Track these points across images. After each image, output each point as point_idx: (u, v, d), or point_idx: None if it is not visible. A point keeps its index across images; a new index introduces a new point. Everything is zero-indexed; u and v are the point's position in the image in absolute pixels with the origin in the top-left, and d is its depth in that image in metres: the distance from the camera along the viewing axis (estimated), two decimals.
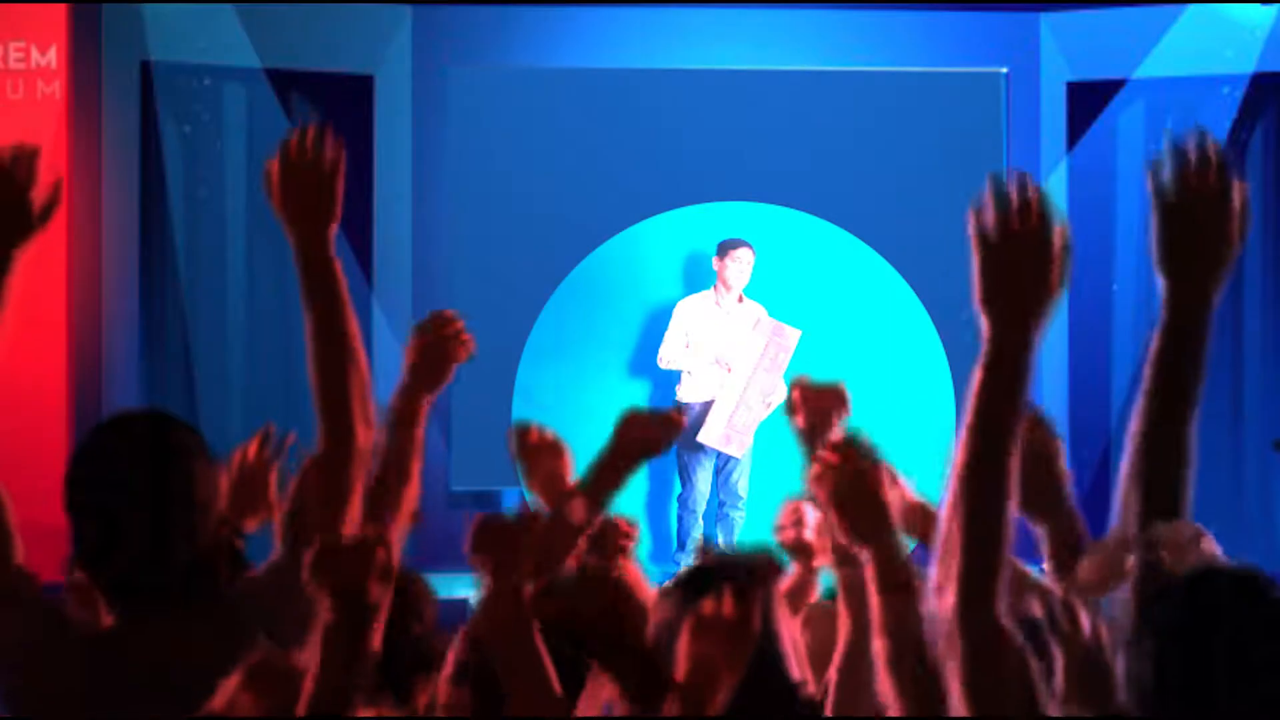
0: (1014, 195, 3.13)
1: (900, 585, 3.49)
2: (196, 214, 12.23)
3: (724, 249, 11.87)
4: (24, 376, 10.61)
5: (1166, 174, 3.32)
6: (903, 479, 3.96)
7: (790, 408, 4.16)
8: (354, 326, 3.97)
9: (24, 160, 3.81)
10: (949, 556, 3.11)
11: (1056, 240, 3.15)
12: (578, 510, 4.37)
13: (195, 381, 12.15)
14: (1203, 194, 3.33)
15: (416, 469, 4.15)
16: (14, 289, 3.82)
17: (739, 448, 11.55)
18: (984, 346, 3.17)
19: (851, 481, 3.60)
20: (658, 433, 4.44)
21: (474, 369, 12.84)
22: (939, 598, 3.14)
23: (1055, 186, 12.65)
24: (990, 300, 3.15)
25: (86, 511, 3.83)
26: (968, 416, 3.14)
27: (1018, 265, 3.16)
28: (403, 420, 4.16)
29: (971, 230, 3.17)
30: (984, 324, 3.18)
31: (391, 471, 4.06)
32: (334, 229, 3.88)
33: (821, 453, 3.62)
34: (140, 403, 11.77)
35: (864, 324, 12.45)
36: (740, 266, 11.82)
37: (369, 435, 3.98)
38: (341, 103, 12.45)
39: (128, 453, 3.91)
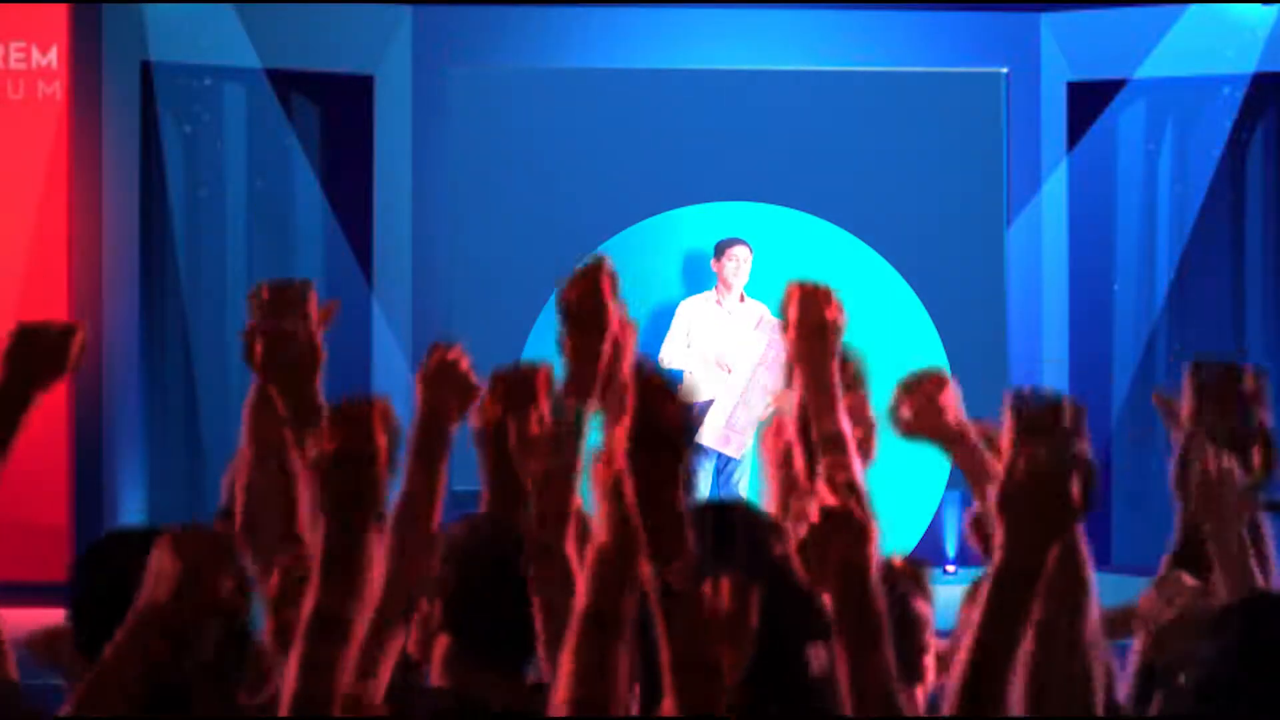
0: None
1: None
2: (197, 213, 12.27)
3: (720, 249, 11.94)
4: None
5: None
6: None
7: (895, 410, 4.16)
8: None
9: (67, 329, 3.90)
10: None
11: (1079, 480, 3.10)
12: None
13: (195, 380, 12.16)
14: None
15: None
16: (29, 421, 3.83)
17: (738, 448, 11.53)
18: (1000, 558, 3.14)
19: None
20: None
21: (479, 355, 12.97)
22: None
23: (1055, 186, 12.77)
24: (1013, 512, 3.10)
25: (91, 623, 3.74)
26: (975, 630, 3.10)
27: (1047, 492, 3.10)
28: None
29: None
30: (1000, 533, 3.14)
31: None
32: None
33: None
34: (140, 401, 11.90)
35: (864, 322, 12.22)
36: (738, 265, 11.87)
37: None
38: (341, 103, 12.63)
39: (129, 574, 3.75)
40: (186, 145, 12.20)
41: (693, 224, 12.55)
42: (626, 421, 3.06)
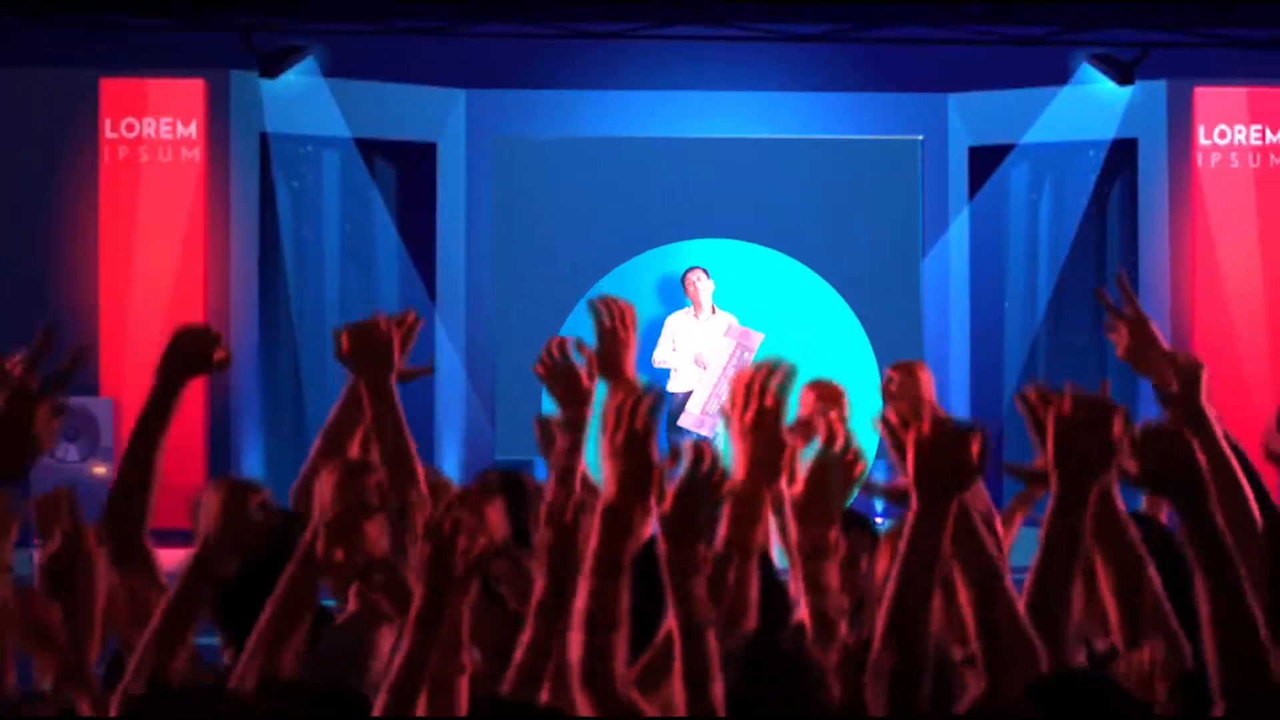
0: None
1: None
2: (301, 249, 12.23)
3: (683, 278, 12.08)
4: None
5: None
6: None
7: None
8: (408, 440, 3.85)
9: (213, 332, 3.88)
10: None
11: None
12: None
13: (300, 376, 12.09)
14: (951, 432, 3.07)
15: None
16: (181, 403, 3.80)
17: (710, 429, 11.30)
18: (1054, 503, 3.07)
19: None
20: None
21: (513, 364, 12.59)
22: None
23: (960, 227, 12.72)
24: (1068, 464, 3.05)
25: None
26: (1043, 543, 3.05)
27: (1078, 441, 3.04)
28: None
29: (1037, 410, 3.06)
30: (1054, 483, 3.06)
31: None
32: (394, 377, 3.86)
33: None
34: (258, 392, 11.89)
35: (809, 329, 12.36)
36: (697, 286, 11.94)
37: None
38: (411, 163, 12.57)
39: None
40: (294, 197, 12.18)
41: (679, 255, 12.51)
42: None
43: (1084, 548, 3.14)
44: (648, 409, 3.07)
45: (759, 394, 3.34)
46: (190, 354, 3.85)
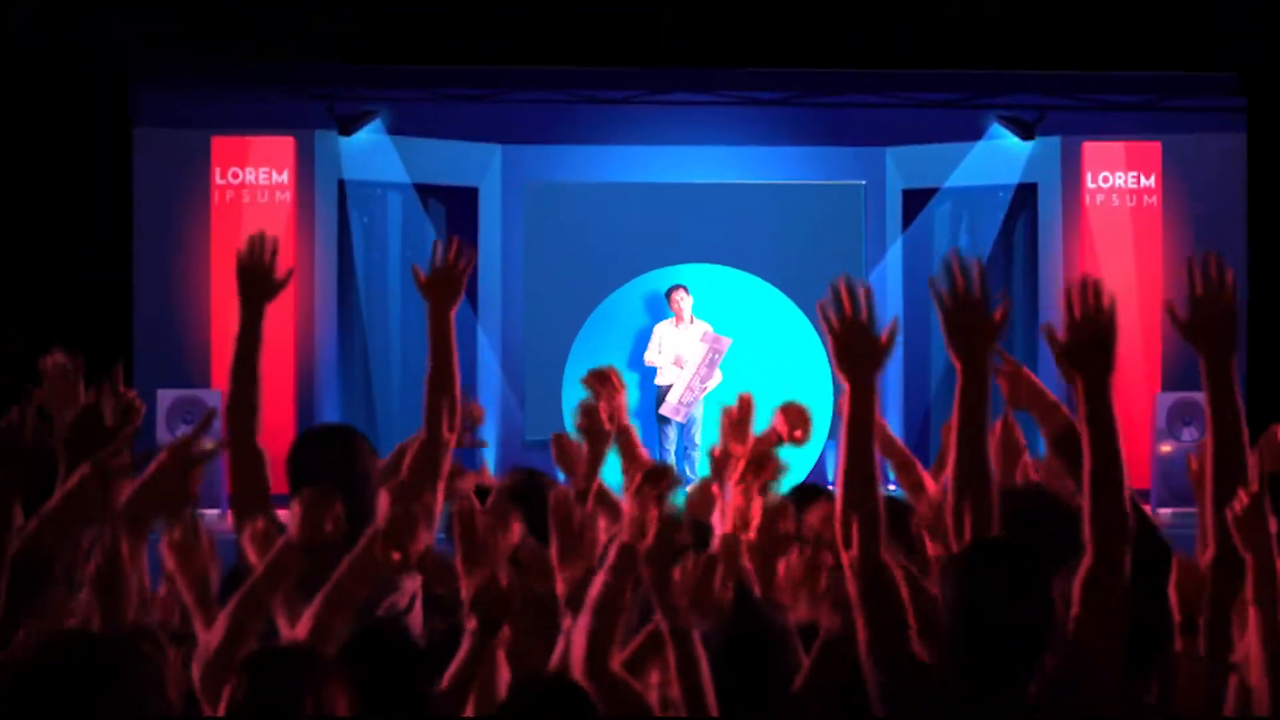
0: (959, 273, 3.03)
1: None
2: (370, 271, 12.29)
3: (667, 293, 12.13)
4: (269, 353, 10.17)
5: (942, 284, 3.09)
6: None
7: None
8: (456, 365, 3.89)
9: (269, 244, 3.80)
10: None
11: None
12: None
13: (370, 377, 12.18)
14: (966, 299, 3.07)
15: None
16: (266, 329, 3.79)
17: (684, 416, 11.74)
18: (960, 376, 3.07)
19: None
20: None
21: (539, 363, 12.48)
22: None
23: (895, 253, 12.81)
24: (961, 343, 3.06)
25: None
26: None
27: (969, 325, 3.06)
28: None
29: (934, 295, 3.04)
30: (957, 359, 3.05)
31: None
32: (454, 306, 3.91)
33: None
34: (338, 397, 11.94)
35: (771, 333, 12.46)
36: (679, 302, 12.00)
37: (454, 436, 3.87)
38: (458, 203, 12.63)
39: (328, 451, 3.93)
40: (365, 231, 12.25)
41: (672, 276, 12.51)
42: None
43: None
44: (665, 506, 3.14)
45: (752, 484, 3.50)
46: (259, 278, 3.77)
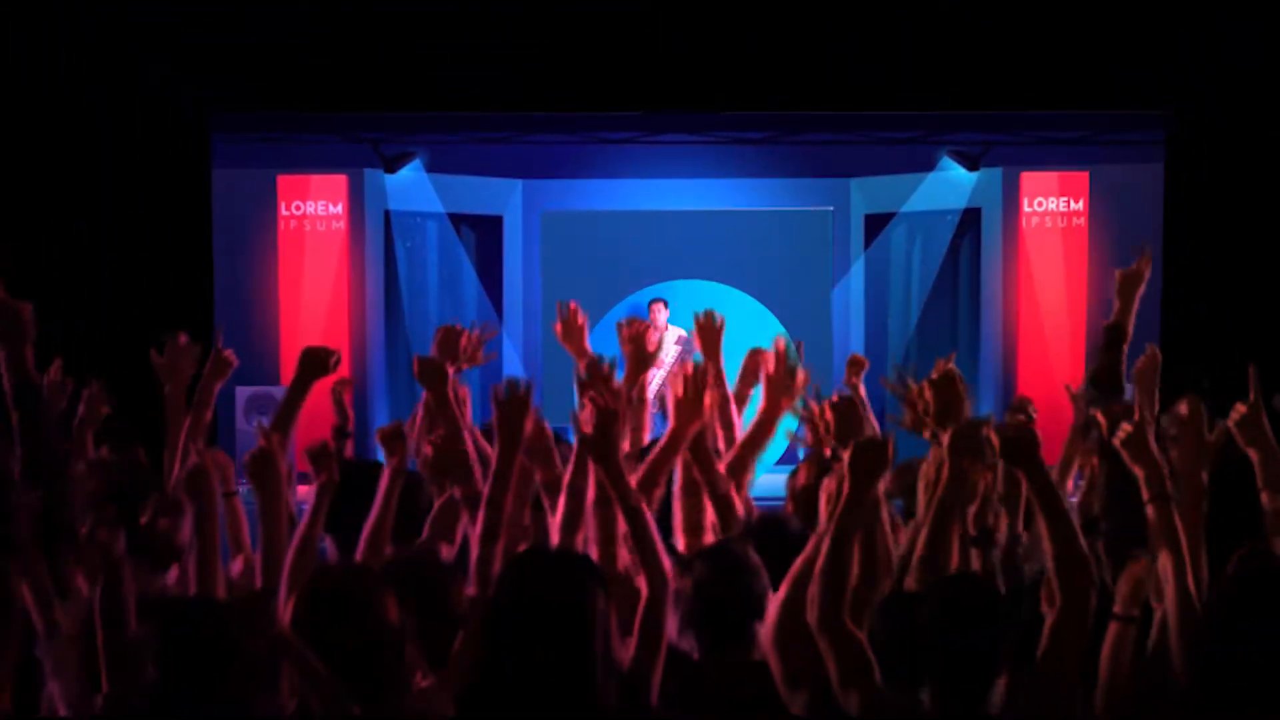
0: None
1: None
2: (413, 288, 12.39)
3: (650, 305, 12.21)
4: (323, 383, 8.98)
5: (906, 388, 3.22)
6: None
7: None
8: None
9: (333, 355, 3.92)
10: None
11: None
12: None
13: (414, 385, 11.14)
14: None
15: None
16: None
17: (658, 407, 11.51)
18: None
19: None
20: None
21: (556, 359, 12.08)
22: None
23: (858, 269, 12.86)
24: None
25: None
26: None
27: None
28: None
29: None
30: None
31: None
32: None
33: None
34: (386, 398, 11.75)
35: (751, 340, 11.99)
36: (655, 314, 12.09)
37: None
38: (485, 229, 12.78)
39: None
40: (407, 253, 12.40)
41: (667, 290, 12.87)
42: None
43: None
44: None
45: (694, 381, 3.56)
46: (314, 363, 3.92)
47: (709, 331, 4.35)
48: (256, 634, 2.77)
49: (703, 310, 4.39)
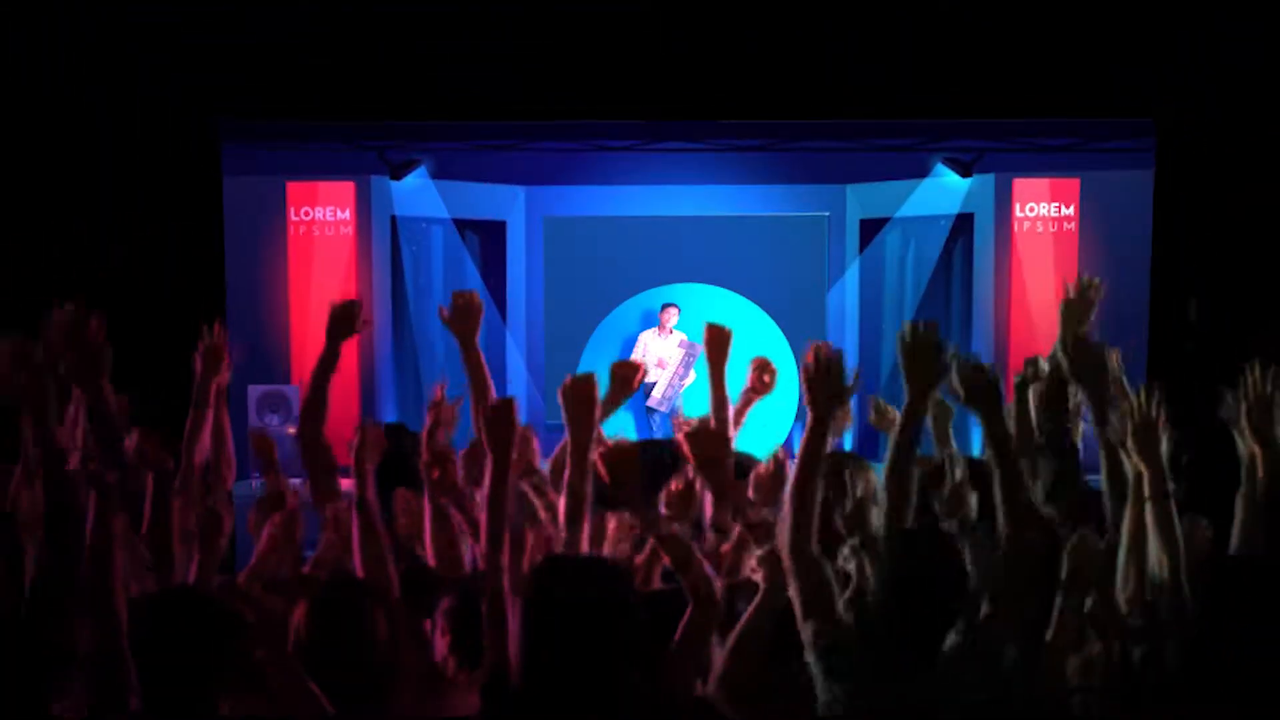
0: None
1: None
2: (418, 290, 12.41)
3: (662, 309, 12.43)
4: (333, 384, 8.68)
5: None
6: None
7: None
8: (490, 383, 3.95)
9: (358, 307, 4.03)
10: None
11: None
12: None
13: (420, 376, 12.10)
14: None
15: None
16: (341, 362, 3.90)
17: (667, 407, 11.82)
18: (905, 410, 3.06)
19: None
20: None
21: (558, 360, 12.08)
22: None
23: (853, 272, 12.94)
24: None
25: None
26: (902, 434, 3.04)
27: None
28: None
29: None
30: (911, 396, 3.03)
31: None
32: (475, 333, 3.99)
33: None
34: (394, 398, 11.80)
35: (750, 341, 11.76)
36: (673, 317, 12.31)
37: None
38: (489, 235, 12.82)
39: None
40: (413, 257, 12.39)
41: (665, 294, 12.82)
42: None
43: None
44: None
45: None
46: (343, 320, 3.99)
47: (717, 344, 4.16)
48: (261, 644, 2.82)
49: (711, 321, 4.23)
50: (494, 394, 3.87)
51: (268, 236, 11.60)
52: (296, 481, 3.79)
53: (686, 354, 11.99)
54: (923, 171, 12.42)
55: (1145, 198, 10.69)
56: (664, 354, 12.15)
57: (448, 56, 9.73)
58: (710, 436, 3.37)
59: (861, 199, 12.92)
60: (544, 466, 3.68)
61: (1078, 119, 11.05)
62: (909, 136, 11.84)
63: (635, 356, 12.12)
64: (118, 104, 9.53)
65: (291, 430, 10.30)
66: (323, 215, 11.73)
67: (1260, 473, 3.33)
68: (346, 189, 11.74)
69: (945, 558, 2.92)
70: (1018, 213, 11.98)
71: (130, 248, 9.78)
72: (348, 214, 11.75)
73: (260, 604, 2.93)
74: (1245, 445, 3.40)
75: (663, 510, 3.28)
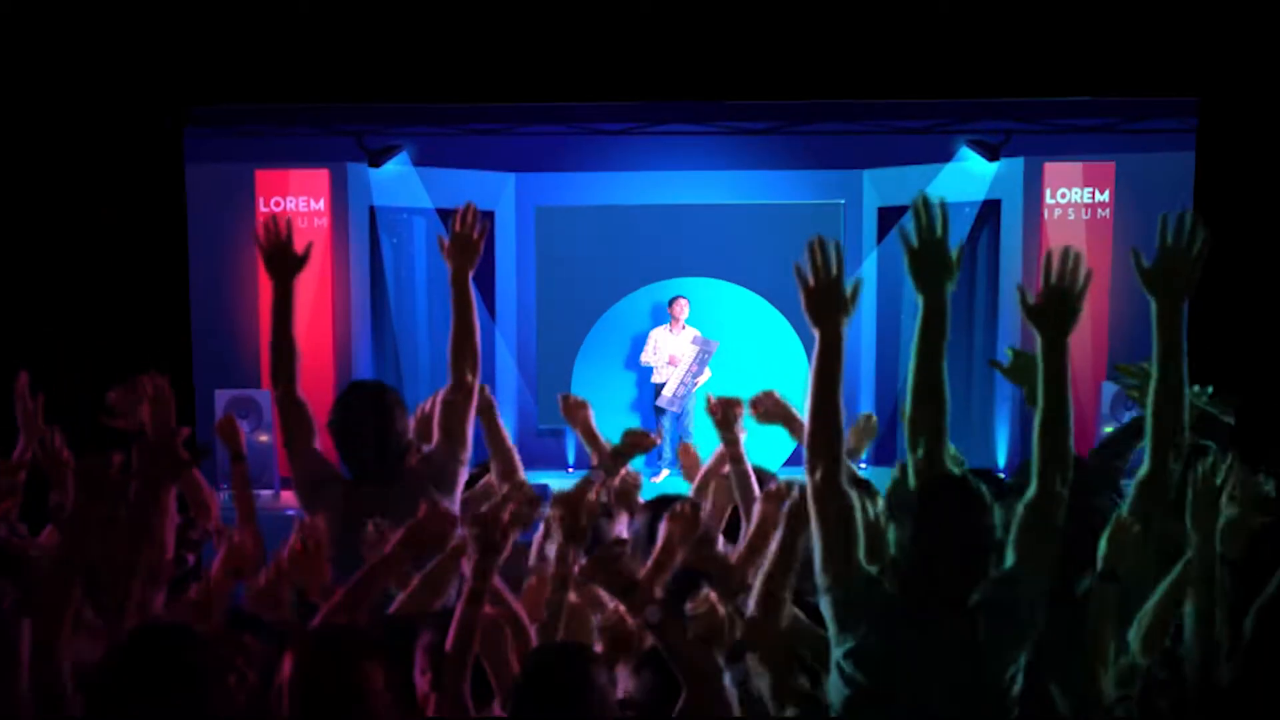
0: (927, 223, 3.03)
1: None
2: (399, 284, 12.38)
3: (671, 302, 12.26)
4: (311, 360, 9.03)
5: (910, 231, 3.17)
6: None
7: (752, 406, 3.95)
8: (475, 320, 3.94)
9: (283, 226, 3.82)
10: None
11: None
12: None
13: (401, 373, 12.23)
14: (927, 240, 3.18)
15: None
16: (299, 306, 3.73)
17: (678, 407, 11.79)
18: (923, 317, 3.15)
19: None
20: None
21: (547, 362, 11.99)
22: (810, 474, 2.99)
23: (870, 262, 12.76)
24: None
25: (341, 432, 3.82)
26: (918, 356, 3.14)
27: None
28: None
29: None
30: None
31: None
32: (472, 268, 3.94)
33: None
34: (370, 369, 11.91)
35: (760, 338, 12.43)
36: (679, 310, 12.18)
37: (475, 380, 3.86)
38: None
39: (365, 403, 3.88)
40: (394, 250, 12.34)
41: (670, 288, 12.68)
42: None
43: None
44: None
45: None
46: (281, 253, 3.77)
47: (687, 521, 3.62)
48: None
49: (680, 504, 3.67)
50: (479, 337, 3.85)
51: (235, 230, 11.30)
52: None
53: (701, 351, 11.96)
54: (946, 155, 12.30)
55: (1186, 182, 10.52)
56: (676, 350, 12.16)
57: (430, 33, 9.55)
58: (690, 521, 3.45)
59: (879, 185, 12.81)
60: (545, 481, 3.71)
61: (1113, 98, 10.84)
62: (930, 118, 11.74)
63: (646, 355, 12.17)
64: (70, 86, 9.29)
65: (264, 438, 10.48)
66: (295, 206, 11.54)
67: None
68: (321, 177, 11.60)
69: (974, 505, 2.98)
70: (1048, 199, 11.84)
71: (87, 243, 9.48)
72: (322, 204, 11.60)
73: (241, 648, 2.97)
74: None
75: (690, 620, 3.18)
